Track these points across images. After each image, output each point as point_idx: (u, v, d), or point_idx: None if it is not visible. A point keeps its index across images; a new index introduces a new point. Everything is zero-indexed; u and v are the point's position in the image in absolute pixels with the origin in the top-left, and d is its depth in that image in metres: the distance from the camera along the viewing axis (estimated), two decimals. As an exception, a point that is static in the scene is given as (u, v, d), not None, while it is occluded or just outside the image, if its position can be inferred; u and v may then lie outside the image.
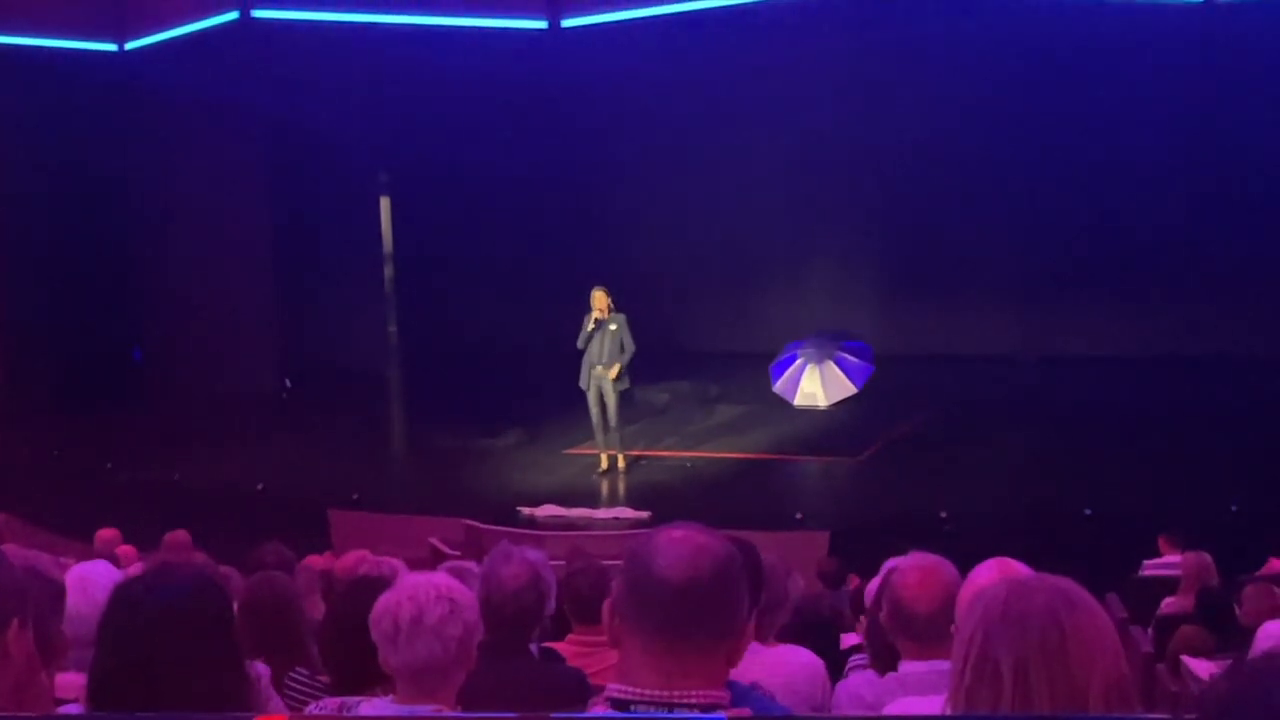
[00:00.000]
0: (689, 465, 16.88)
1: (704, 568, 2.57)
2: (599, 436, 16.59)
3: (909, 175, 21.32)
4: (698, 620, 2.58)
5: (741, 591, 2.64)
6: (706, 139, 21.57)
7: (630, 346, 16.18)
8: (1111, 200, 20.80)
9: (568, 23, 19.79)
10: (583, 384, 16.34)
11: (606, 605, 2.69)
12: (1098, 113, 20.29)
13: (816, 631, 5.90)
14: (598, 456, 16.71)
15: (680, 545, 2.60)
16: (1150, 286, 20.86)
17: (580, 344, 16.20)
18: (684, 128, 21.46)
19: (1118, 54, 19.56)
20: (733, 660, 2.65)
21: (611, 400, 16.26)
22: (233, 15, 19.81)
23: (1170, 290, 20.82)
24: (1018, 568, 3.39)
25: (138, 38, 20.47)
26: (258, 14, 20.03)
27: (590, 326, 16.11)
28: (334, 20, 20.11)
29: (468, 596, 3.72)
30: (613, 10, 19.54)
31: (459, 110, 21.25)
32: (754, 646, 4.40)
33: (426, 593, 3.64)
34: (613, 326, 16.11)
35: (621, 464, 16.60)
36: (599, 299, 16.14)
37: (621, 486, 16.34)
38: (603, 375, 16.17)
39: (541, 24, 19.93)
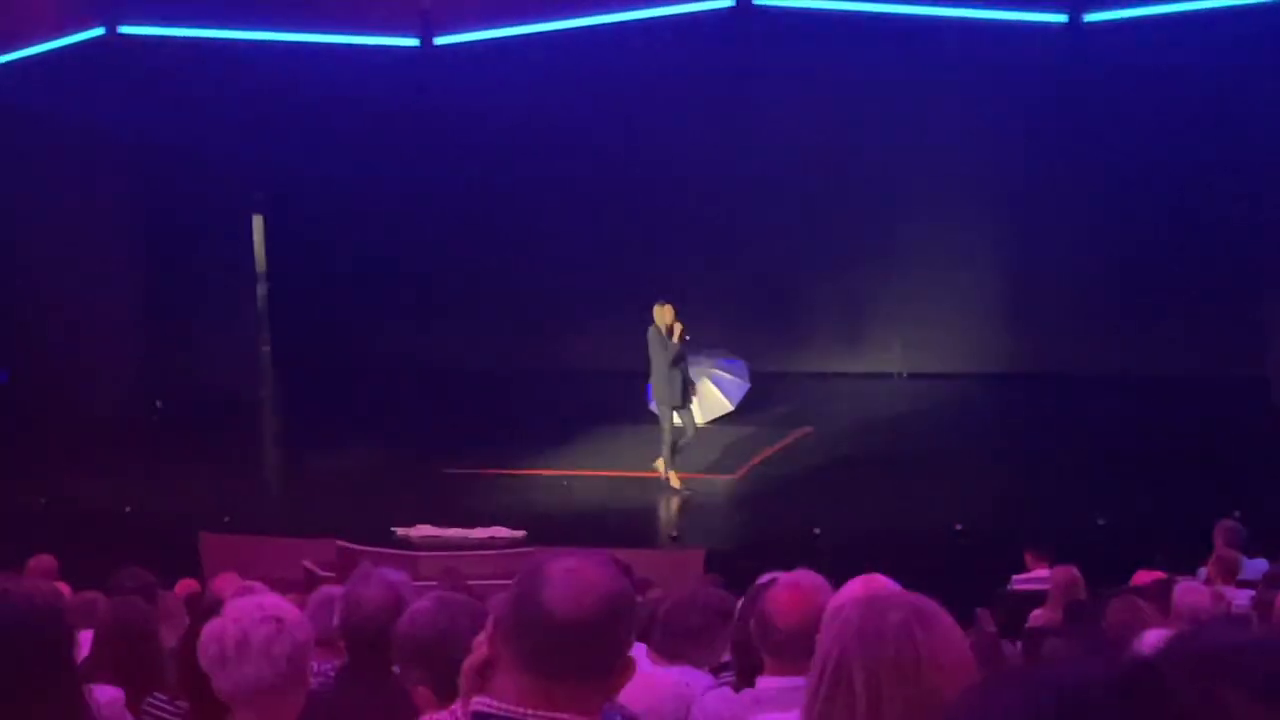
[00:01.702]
0: (565, 484, 16.85)
1: (591, 606, 2.53)
2: (670, 454, 16.24)
3: (781, 194, 21.43)
4: (580, 657, 2.54)
5: (629, 627, 2.62)
6: (577, 155, 21.56)
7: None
8: (975, 220, 21.03)
9: (440, 41, 19.80)
10: (674, 401, 16.07)
11: (490, 620, 2.66)
12: (947, 129, 20.49)
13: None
14: (667, 475, 16.34)
15: (570, 580, 2.55)
16: (1019, 304, 21.14)
17: (670, 361, 15.92)
18: (554, 144, 21.44)
19: (977, 74, 19.82)
20: (612, 691, 2.64)
21: (689, 415, 16.17)
22: (98, 31, 19.55)
23: (1038, 308, 21.11)
24: (884, 583, 3.40)
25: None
26: (124, 30, 19.79)
27: (679, 339, 15.86)
28: (204, 36, 19.92)
29: (296, 616, 3.66)
30: (484, 29, 19.58)
31: (333, 128, 21.11)
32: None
33: (251, 615, 3.58)
34: (677, 343, 15.97)
35: (664, 475, 16.36)
36: (669, 314, 15.91)
37: (722, 503, 16.26)
38: (689, 390, 16.04)
39: (414, 42, 19.91)
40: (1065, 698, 0.86)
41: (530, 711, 2.53)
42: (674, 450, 16.18)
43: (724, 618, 5.35)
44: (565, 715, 2.53)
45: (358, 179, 21.82)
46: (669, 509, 15.97)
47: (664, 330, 15.85)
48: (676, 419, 16.13)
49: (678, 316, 15.93)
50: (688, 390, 16.04)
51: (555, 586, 2.54)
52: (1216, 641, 0.88)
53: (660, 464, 16.28)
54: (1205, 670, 0.84)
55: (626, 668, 2.62)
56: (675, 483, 16.24)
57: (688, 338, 15.87)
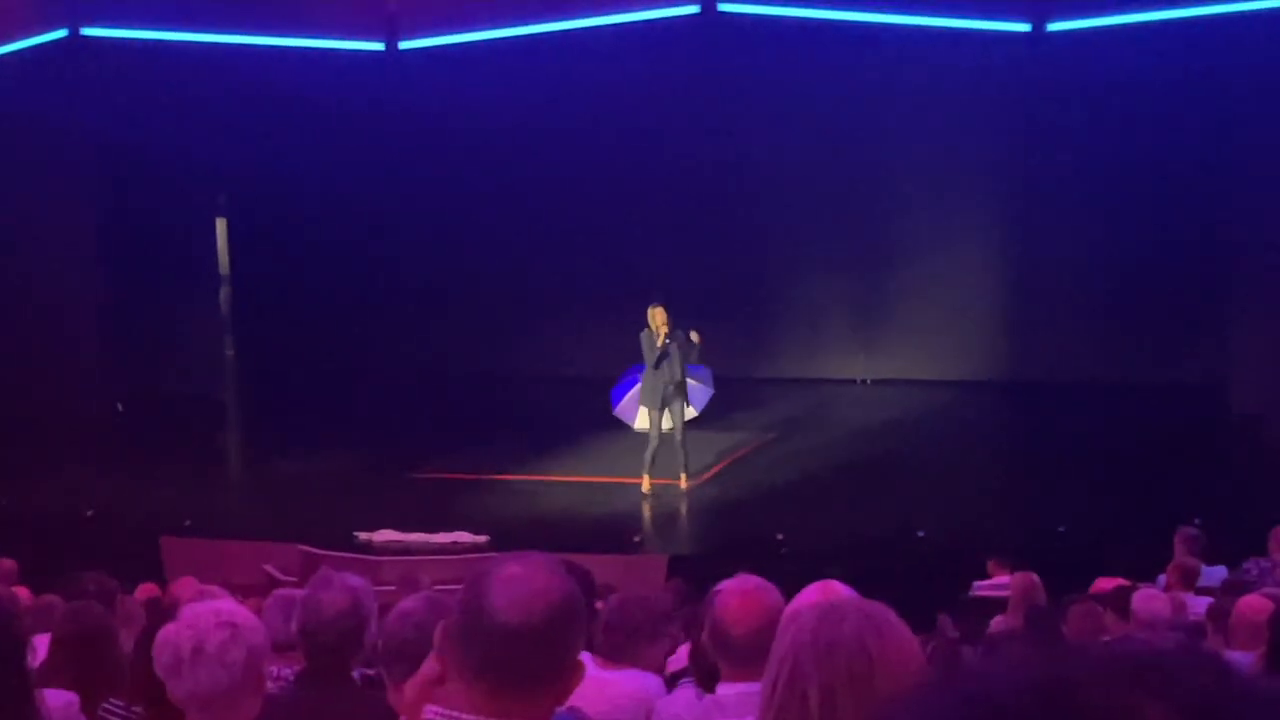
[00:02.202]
0: (527, 489, 16.83)
1: (539, 612, 2.52)
2: (650, 460, 16.16)
3: (744, 200, 21.47)
4: (528, 664, 2.53)
5: (578, 632, 2.60)
6: (542, 159, 21.56)
7: (694, 359, 16.04)
8: (939, 228, 21.10)
9: (405, 45, 19.77)
10: (650, 403, 16.01)
11: (440, 628, 2.65)
12: (911, 137, 20.56)
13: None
14: (640, 481, 16.29)
15: (517, 586, 2.54)
16: (982, 312, 21.23)
17: (653, 364, 15.88)
18: (519, 148, 21.43)
19: (941, 82, 19.89)
20: (562, 697, 2.62)
21: (680, 421, 16.03)
22: (61, 33, 19.45)
23: (1001, 316, 21.20)
24: (840, 590, 3.42)
25: (-39, 56, 20.00)
26: (87, 32, 19.69)
27: (662, 344, 15.77)
28: (168, 39, 19.84)
29: (251, 621, 3.65)
30: (449, 34, 19.56)
31: (297, 131, 21.04)
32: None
33: (206, 620, 3.57)
34: (675, 345, 15.85)
35: (684, 484, 16.30)
36: (661, 316, 15.79)
37: (683, 507, 16.19)
38: (674, 395, 15.93)
39: (379, 46, 19.88)
40: (978, 707, 0.86)
41: (477, 718, 2.52)
42: (653, 457, 16.16)
43: (665, 619, 5.35)
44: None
45: (322, 182, 21.76)
46: (632, 514, 15.95)
47: (655, 333, 15.83)
48: (666, 421, 16.09)
49: (669, 319, 15.89)
50: (670, 394, 15.98)
51: (501, 594, 2.52)
52: (1139, 653, 0.88)
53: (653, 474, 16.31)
54: (1127, 683, 0.85)
55: (576, 671, 2.61)
56: (645, 487, 16.24)
57: (669, 341, 15.82)
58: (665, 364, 15.81)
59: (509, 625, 2.50)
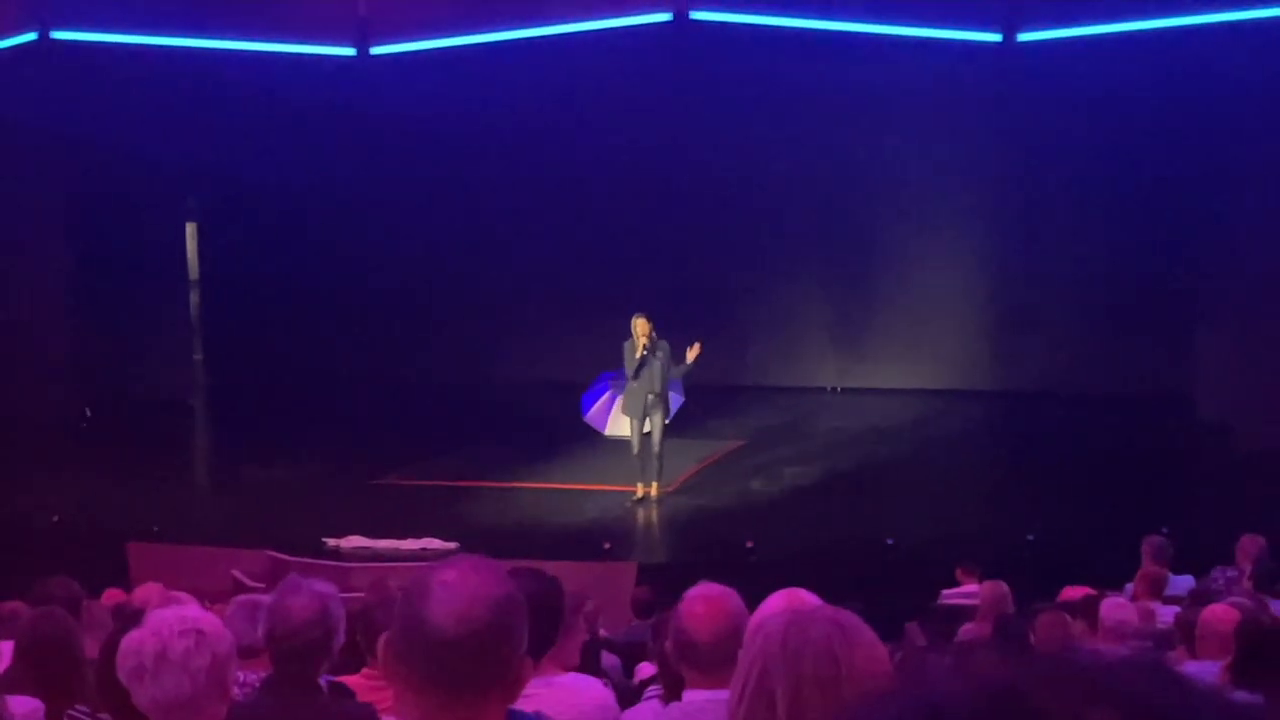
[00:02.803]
0: (498, 495, 16.81)
1: (478, 618, 2.49)
2: (640, 465, 16.12)
3: (715, 208, 21.51)
4: (471, 670, 2.51)
5: (519, 633, 2.57)
6: (513, 165, 21.57)
7: (680, 376, 15.99)
8: (908, 237, 21.17)
9: (377, 50, 19.74)
10: (631, 412, 15.97)
11: (382, 641, 2.63)
12: (881, 146, 20.62)
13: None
14: (634, 486, 16.27)
15: (454, 591, 2.51)
16: (951, 322, 21.29)
17: (632, 373, 15.84)
18: (490, 155, 21.43)
19: (912, 91, 19.95)
20: (510, 697, 2.60)
21: (658, 432, 15.97)
22: (31, 36, 19.36)
23: (970, 325, 21.28)
24: (806, 598, 3.42)
25: (-69, 58, 19.90)
26: (58, 35, 19.62)
27: (640, 354, 15.71)
28: (138, 43, 19.78)
29: (217, 627, 3.63)
30: (421, 39, 19.54)
31: (267, 136, 21.00)
32: (545, 677, 4.38)
33: (171, 627, 3.54)
34: (659, 355, 15.81)
35: (655, 493, 16.23)
36: (643, 326, 15.72)
37: (654, 515, 16.16)
38: (655, 404, 15.88)
39: (350, 51, 19.84)
40: (926, 716, 0.86)
41: None
42: (641, 463, 16.14)
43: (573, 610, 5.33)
44: None
45: (292, 187, 21.72)
46: (602, 521, 15.93)
47: (636, 342, 15.80)
48: (647, 428, 16.08)
49: (654, 328, 15.86)
50: (650, 404, 15.95)
51: (438, 603, 2.49)
52: (1089, 662, 0.88)
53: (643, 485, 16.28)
54: (1076, 692, 0.85)
55: (524, 671, 2.59)
56: (639, 494, 16.25)
57: (647, 349, 15.77)
58: (645, 373, 15.80)
59: (450, 635, 2.48)
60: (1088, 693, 0.84)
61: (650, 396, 15.88)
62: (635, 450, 16.09)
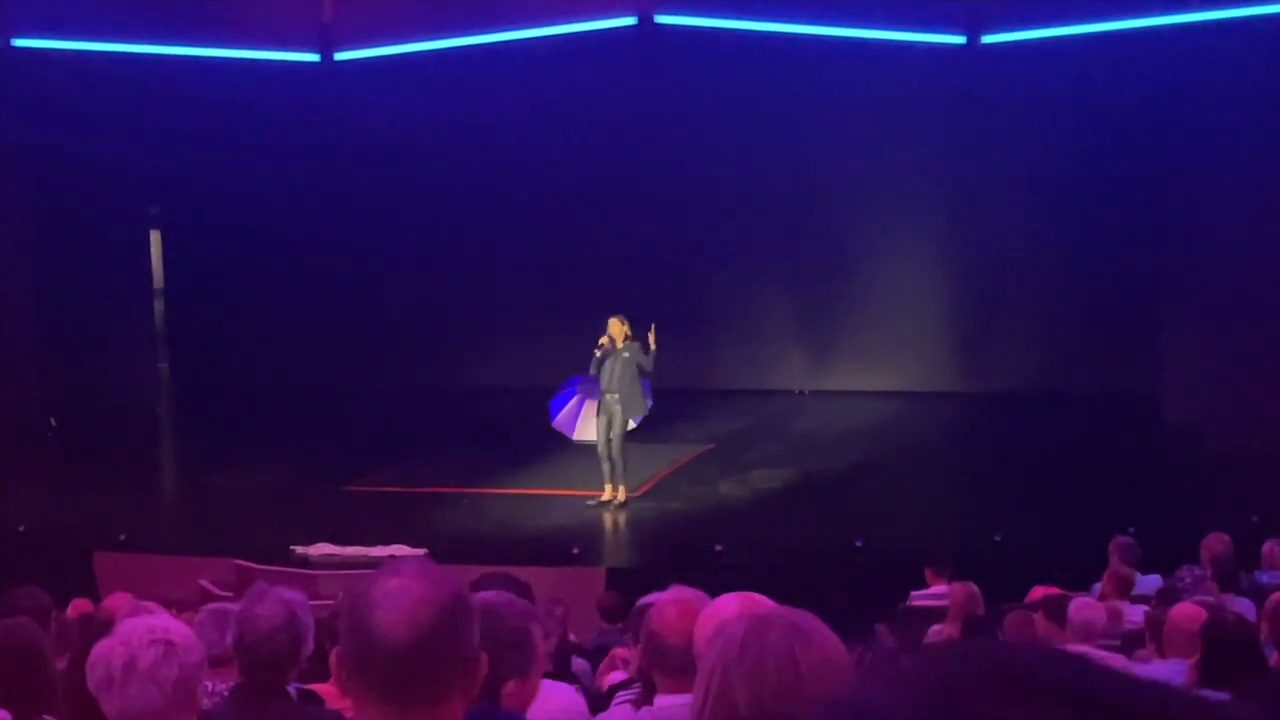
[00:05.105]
0: (465, 501, 16.78)
1: (424, 623, 2.46)
2: (604, 466, 16.03)
3: (682, 211, 21.52)
4: (427, 676, 2.49)
5: (470, 633, 2.54)
6: (478, 171, 21.55)
7: (649, 369, 15.76)
8: (876, 240, 21.23)
9: (340, 56, 19.69)
10: (598, 411, 15.89)
11: (334, 655, 2.60)
12: (845, 148, 20.66)
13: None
14: (601, 488, 16.15)
15: (398, 599, 2.47)
16: (920, 323, 21.36)
17: (593, 370, 15.76)
18: (456, 160, 21.42)
19: (876, 94, 20.01)
20: (470, 695, 2.58)
21: (618, 432, 15.83)
22: (-8, 44, 19.27)
23: (938, 326, 21.36)
24: (761, 600, 3.42)
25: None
26: (19, 43, 19.52)
27: (598, 354, 15.64)
28: (100, 50, 19.70)
29: (187, 638, 3.62)
30: (385, 45, 19.50)
31: (232, 143, 20.95)
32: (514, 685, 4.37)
33: (140, 636, 3.53)
34: (625, 355, 15.64)
35: (621, 496, 16.12)
36: (615, 326, 15.63)
37: (622, 519, 16.05)
38: (613, 404, 15.74)
39: (314, 57, 19.80)
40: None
41: None
42: (607, 460, 16.10)
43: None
44: None
45: (257, 194, 21.66)
46: (570, 526, 15.91)
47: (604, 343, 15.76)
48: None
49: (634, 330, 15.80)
50: (609, 404, 15.89)
51: (383, 611, 2.46)
52: (1021, 660, 0.88)
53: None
54: (1007, 691, 0.84)
55: (480, 669, 2.56)
56: (606, 496, 16.18)
57: (604, 348, 15.70)
58: (605, 371, 15.76)
59: (398, 642, 2.45)
60: (1018, 692, 0.83)
61: (608, 396, 15.85)
62: (600, 451, 16.08)
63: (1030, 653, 0.89)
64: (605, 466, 16.14)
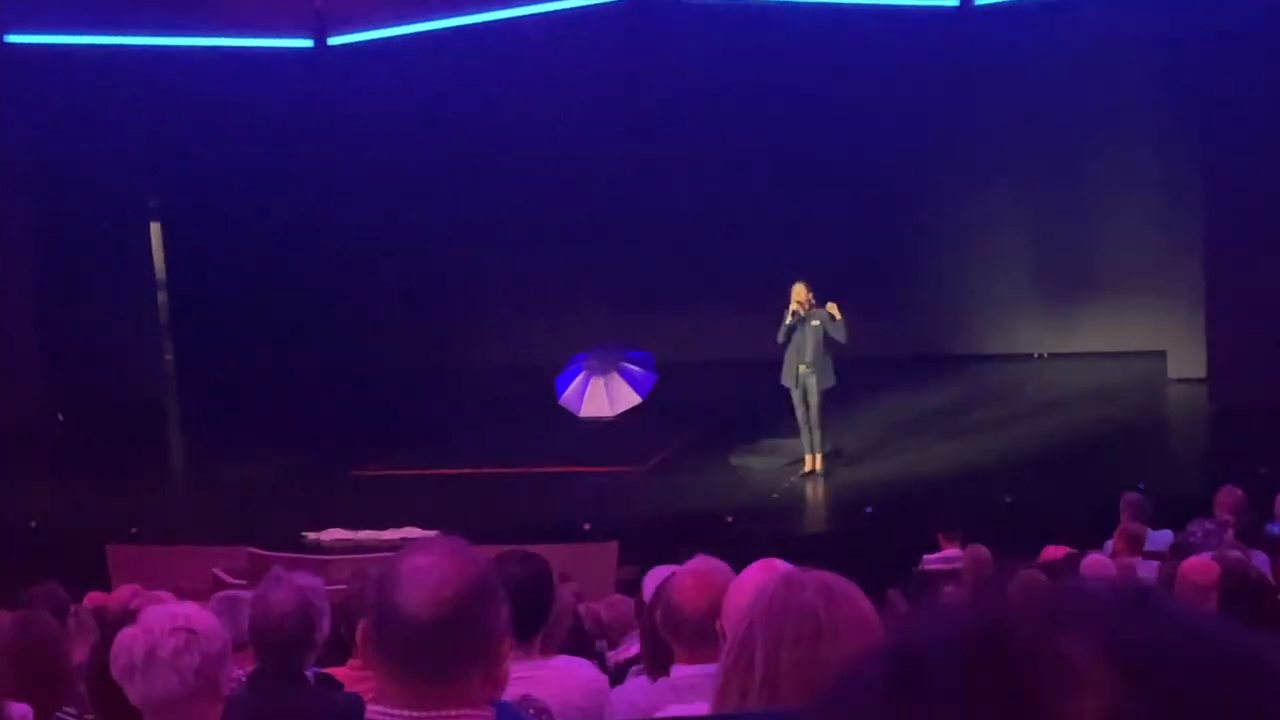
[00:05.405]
0: (475, 482, 16.80)
1: (449, 600, 2.47)
2: (804, 437, 15.94)
3: (679, 182, 21.46)
4: (448, 654, 2.50)
5: (495, 613, 2.55)
6: (477, 153, 21.52)
7: (841, 339, 15.64)
8: (876, 204, 21.16)
9: (334, 41, 19.66)
10: (787, 381, 15.80)
11: (359, 631, 2.61)
12: (840, 115, 20.58)
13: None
14: (802, 458, 16.06)
15: (425, 576, 2.48)
16: (927, 284, 21.29)
17: (780, 338, 15.67)
18: (453, 142, 21.38)
19: (870, 60, 19.94)
20: (493, 677, 2.58)
21: (814, 399, 15.74)
22: (-15, 40, 19.25)
23: (944, 288, 21.29)
24: (782, 566, 3.42)
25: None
26: (12, 39, 19.51)
27: (788, 320, 15.55)
28: (94, 43, 19.68)
29: (210, 626, 3.62)
30: (379, 28, 19.47)
31: (228, 132, 20.89)
32: (534, 660, 4.38)
33: (162, 625, 3.54)
34: (814, 322, 15.53)
35: (820, 466, 16.01)
36: (800, 292, 15.50)
37: (821, 488, 16.01)
38: (807, 373, 15.62)
39: (308, 43, 19.76)
40: (901, 662, 0.85)
41: (416, 714, 2.49)
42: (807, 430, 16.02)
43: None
44: (452, 712, 2.50)
45: (255, 182, 21.61)
46: (582, 503, 15.93)
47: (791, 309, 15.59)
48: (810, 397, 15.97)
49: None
50: (802, 374, 15.76)
51: (409, 588, 2.48)
52: (1066, 595, 0.87)
53: None
54: (1053, 625, 0.83)
55: (504, 651, 2.58)
56: (808, 466, 16.06)
57: (796, 314, 15.56)
58: (795, 340, 15.60)
59: (423, 619, 2.46)
60: (1065, 625, 0.82)
61: (801, 366, 15.71)
62: (800, 420, 15.92)
63: (1074, 584, 0.88)
64: (805, 438, 15.99)
